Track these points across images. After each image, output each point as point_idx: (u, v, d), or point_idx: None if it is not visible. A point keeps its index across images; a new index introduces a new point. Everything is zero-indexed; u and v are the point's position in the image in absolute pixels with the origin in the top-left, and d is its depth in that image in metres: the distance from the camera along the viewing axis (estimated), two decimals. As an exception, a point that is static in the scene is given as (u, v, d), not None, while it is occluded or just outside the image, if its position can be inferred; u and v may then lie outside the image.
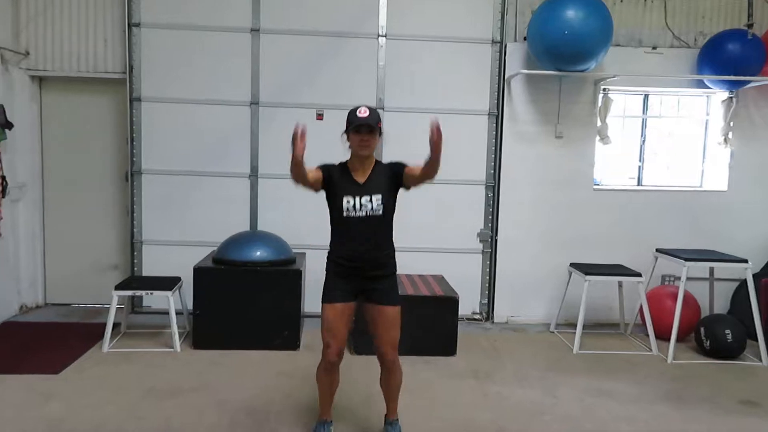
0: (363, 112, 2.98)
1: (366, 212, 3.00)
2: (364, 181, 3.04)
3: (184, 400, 3.72)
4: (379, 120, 3.03)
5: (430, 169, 2.97)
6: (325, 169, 3.07)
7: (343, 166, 3.11)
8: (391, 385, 3.21)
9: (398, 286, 3.22)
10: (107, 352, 4.49)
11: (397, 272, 3.21)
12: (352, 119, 2.99)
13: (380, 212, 3.02)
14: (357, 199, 3.00)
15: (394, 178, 3.07)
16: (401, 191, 3.13)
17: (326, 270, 3.14)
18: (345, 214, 3.01)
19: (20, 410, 3.51)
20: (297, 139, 2.80)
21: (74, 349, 4.51)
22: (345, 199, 3.00)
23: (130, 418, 3.45)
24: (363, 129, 2.97)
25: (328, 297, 3.09)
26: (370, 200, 3.01)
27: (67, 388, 3.84)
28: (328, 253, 3.14)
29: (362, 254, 3.04)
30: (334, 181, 3.05)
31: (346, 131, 3.04)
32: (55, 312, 5.55)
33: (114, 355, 4.46)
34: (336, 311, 3.07)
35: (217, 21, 5.38)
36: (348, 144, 3.05)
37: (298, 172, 2.92)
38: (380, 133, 3.05)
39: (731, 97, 5.60)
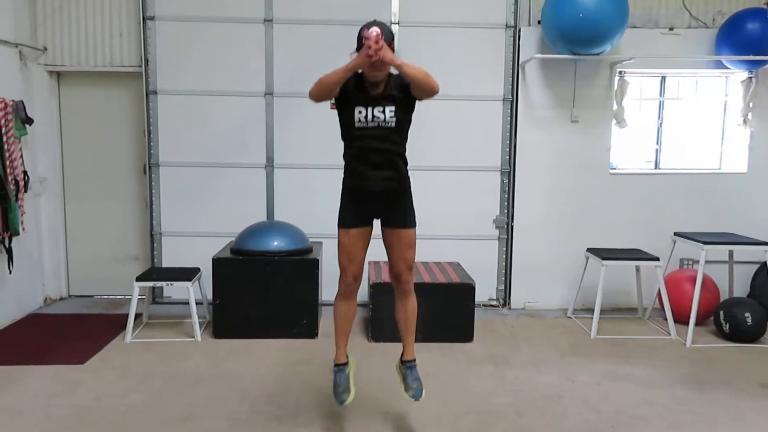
0: (373, 36, 2.75)
1: (378, 123, 2.93)
2: (377, 93, 2.95)
3: (205, 388, 3.79)
4: (392, 39, 2.90)
5: (408, 80, 2.85)
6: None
7: (358, 75, 2.97)
8: (408, 312, 3.18)
9: (414, 211, 3.16)
10: (130, 342, 4.58)
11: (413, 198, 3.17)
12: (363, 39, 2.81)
13: (393, 124, 2.94)
14: (369, 110, 2.92)
15: (406, 89, 2.96)
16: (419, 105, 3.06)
17: (341, 194, 3.11)
18: (357, 124, 2.94)
19: (49, 399, 3.60)
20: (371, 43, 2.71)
21: (98, 339, 4.61)
22: (357, 110, 2.93)
23: (154, 406, 3.52)
24: None
25: (343, 222, 3.08)
26: (383, 111, 2.92)
27: (93, 377, 3.94)
28: (343, 178, 3.11)
29: (376, 171, 2.99)
30: (348, 90, 2.95)
31: (357, 50, 2.87)
32: (79, 303, 5.66)
33: (137, 345, 4.55)
34: (352, 236, 3.06)
35: (230, 12, 5.40)
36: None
37: (336, 83, 2.83)
38: (393, 52, 2.87)
39: (750, 78, 5.52)
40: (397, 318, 3.25)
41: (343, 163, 3.12)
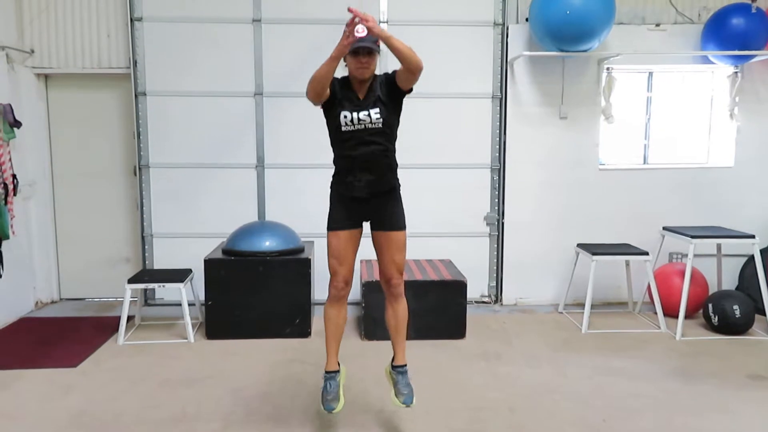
0: (360, 32, 2.75)
1: (364, 125, 2.93)
2: (363, 97, 2.95)
3: (199, 389, 3.79)
4: (377, 39, 2.85)
5: (395, 53, 2.79)
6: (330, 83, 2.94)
7: (345, 79, 3.00)
8: (398, 316, 3.16)
9: (404, 213, 3.15)
10: (122, 344, 4.57)
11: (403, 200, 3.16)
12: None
13: (379, 125, 2.94)
14: (355, 113, 2.92)
15: (390, 86, 2.96)
16: (407, 102, 3.06)
17: (330, 197, 3.10)
18: (343, 128, 2.94)
19: (42, 403, 3.60)
20: (351, 29, 2.72)
21: (90, 342, 4.60)
22: (342, 114, 2.92)
23: (147, 408, 3.53)
24: (362, 51, 2.85)
25: (333, 225, 3.06)
26: (368, 114, 2.92)
27: (86, 380, 3.93)
28: (332, 179, 3.10)
29: (363, 175, 2.98)
30: (335, 95, 2.95)
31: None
32: (70, 307, 5.64)
33: (129, 347, 4.54)
34: (342, 239, 3.04)
35: (218, 12, 5.39)
36: (345, 64, 2.93)
37: (328, 74, 2.80)
38: (379, 52, 2.90)
39: (736, 72, 5.57)
40: (387, 322, 3.23)
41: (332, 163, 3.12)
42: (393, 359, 3.22)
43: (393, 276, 3.11)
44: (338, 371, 3.20)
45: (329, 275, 3.11)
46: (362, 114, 2.94)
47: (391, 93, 2.99)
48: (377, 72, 3.04)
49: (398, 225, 3.09)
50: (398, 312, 3.18)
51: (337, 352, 3.20)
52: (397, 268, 3.10)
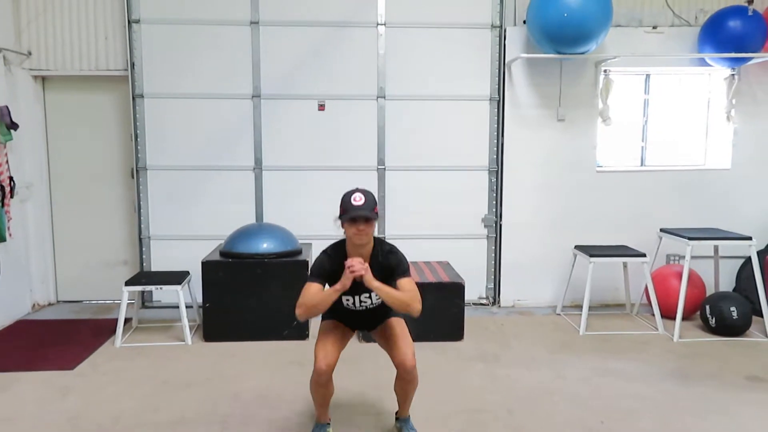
0: (358, 200, 2.81)
1: (365, 307, 3.02)
2: (361, 279, 2.83)
3: (197, 391, 3.78)
4: (375, 205, 2.87)
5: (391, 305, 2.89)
6: (322, 278, 2.92)
7: (340, 255, 2.92)
8: (408, 391, 3.12)
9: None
10: (120, 347, 4.56)
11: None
12: (347, 208, 2.82)
13: (379, 302, 2.99)
14: (356, 297, 2.97)
15: (388, 271, 2.91)
16: None
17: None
18: (345, 305, 3.02)
19: (40, 405, 3.58)
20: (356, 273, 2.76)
21: (88, 345, 4.59)
22: (344, 297, 2.96)
23: (145, 411, 3.52)
24: (359, 219, 2.82)
25: (328, 315, 3.10)
26: (369, 296, 2.97)
27: (84, 383, 3.92)
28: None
29: (361, 324, 3.16)
30: (332, 275, 2.90)
31: (341, 218, 2.85)
32: (67, 309, 5.63)
33: (127, 349, 4.53)
34: (333, 325, 3.06)
35: (216, 15, 5.39)
36: (343, 229, 2.88)
37: (328, 305, 2.86)
38: (376, 218, 2.88)
39: (733, 75, 5.59)
40: (396, 391, 3.15)
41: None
42: (398, 411, 3.26)
43: (407, 361, 2.91)
44: (329, 423, 3.21)
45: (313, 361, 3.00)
46: (363, 297, 2.98)
47: (389, 275, 2.91)
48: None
49: (393, 313, 3.09)
50: (408, 389, 3.08)
51: (327, 410, 3.18)
52: (410, 355, 2.94)
